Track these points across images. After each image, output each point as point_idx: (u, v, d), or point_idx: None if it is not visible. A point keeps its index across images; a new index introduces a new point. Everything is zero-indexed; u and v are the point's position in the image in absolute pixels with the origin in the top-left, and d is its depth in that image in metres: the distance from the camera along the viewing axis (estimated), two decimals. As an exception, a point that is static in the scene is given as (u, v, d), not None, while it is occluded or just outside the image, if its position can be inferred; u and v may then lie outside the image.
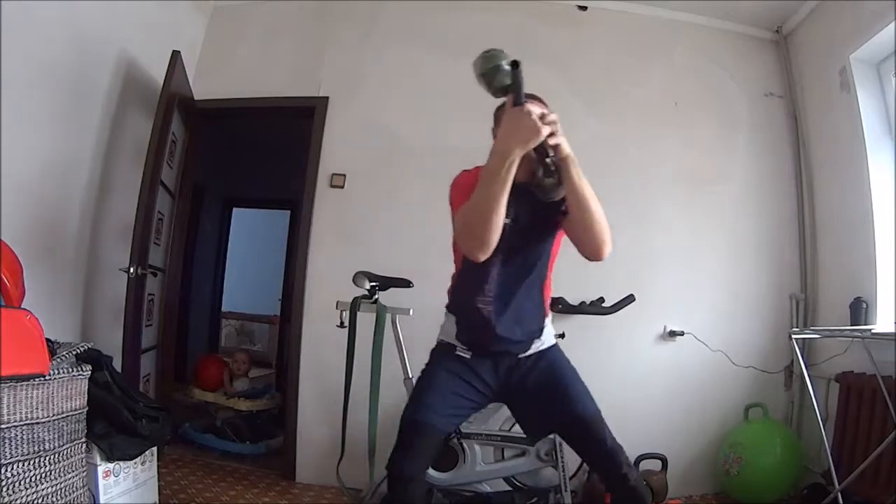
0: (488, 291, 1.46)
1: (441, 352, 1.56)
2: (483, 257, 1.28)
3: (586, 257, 1.40)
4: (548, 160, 1.31)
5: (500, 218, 1.25)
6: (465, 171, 1.48)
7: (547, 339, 1.55)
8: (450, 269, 2.90)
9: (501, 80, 1.25)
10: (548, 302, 1.58)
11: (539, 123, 1.21)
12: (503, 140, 1.23)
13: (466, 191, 1.34)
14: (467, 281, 1.50)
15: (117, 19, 2.46)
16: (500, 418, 2.24)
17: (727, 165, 2.92)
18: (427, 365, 1.58)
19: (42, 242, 2.12)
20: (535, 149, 1.26)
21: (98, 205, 2.45)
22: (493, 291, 1.46)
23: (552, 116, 1.25)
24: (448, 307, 1.59)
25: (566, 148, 1.28)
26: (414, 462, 1.38)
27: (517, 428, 2.45)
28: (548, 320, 1.58)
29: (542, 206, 1.36)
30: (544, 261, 1.51)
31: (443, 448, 1.47)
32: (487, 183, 1.23)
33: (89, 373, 1.72)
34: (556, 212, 1.41)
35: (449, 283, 1.62)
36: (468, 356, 1.50)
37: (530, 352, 1.51)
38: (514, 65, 1.24)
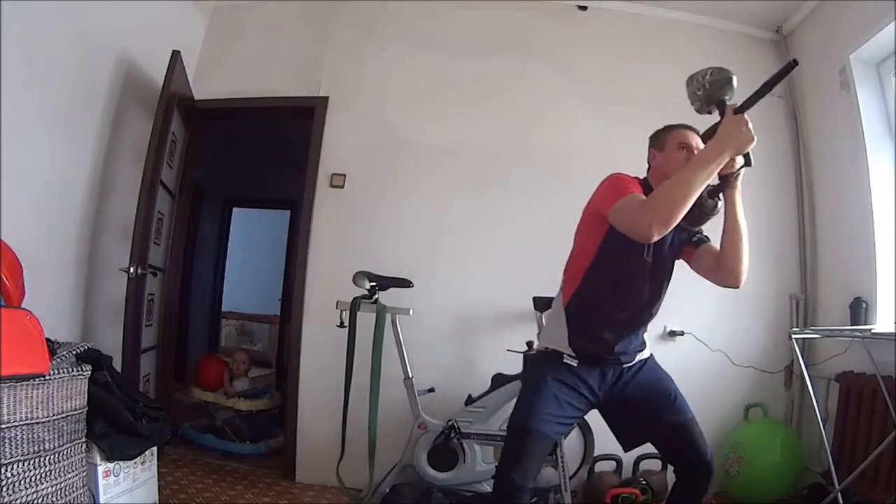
0: (626, 303, 1.49)
1: (547, 360, 1.55)
2: (656, 237, 1.26)
3: (724, 285, 1.47)
4: (734, 173, 1.39)
5: (687, 206, 1.26)
6: (617, 173, 1.48)
7: (648, 349, 1.61)
8: (448, 267, 2.91)
9: (724, 93, 1.34)
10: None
11: (753, 133, 1.26)
12: (718, 142, 1.28)
13: (628, 185, 1.38)
14: (607, 290, 1.50)
15: (117, 19, 2.46)
16: (499, 418, 2.24)
17: (727, 165, 2.92)
18: (532, 372, 1.61)
19: (42, 242, 2.12)
20: None
21: (98, 205, 2.45)
22: (632, 308, 1.50)
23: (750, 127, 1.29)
24: (567, 310, 1.54)
25: (741, 177, 1.38)
26: (524, 471, 1.39)
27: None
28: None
29: (677, 238, 1.43)
30: (672, 269, 1.57)
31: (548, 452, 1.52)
32: (693, 171, 1.26)
33: (89, 373, 1.72)
34: (687, 243, 1.52)
35: (563, 282, 1.61)
36: (575, 364, 1.51)
37: (634, 362, 1.55)
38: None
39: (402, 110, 2.92)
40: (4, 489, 1.42)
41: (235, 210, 5.60)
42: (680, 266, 2.81)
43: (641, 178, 1.53)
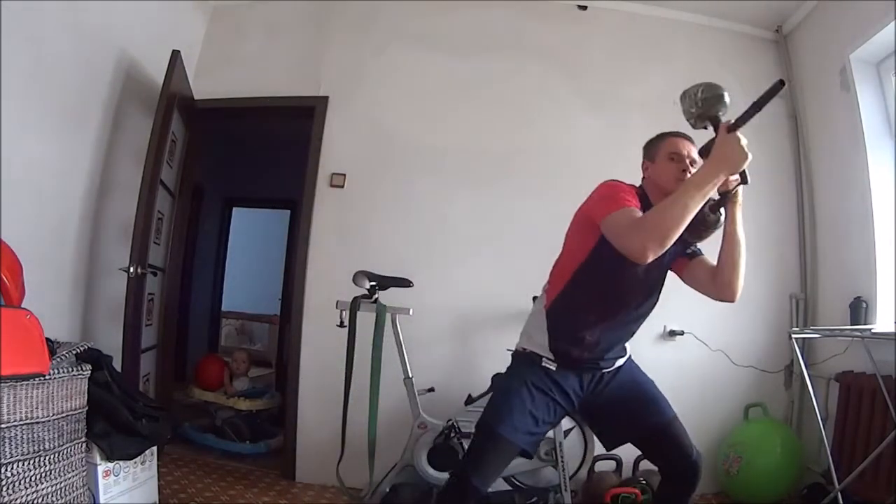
0: (614, 314, 1.48)
1: (525, 362, 1.52)
2: (651, 259, 1.25)
3: (719, 298, 1.46)
4: (717, 198, 1.39)
5: (682, 228, 1.26)
6: (612, 180, 1.47)
7: (627, 353, 1.60)
8: (448, 267, 2.92)
9: (717, 110, 1.33)
10: None
11: (747, 152, 1.25)
12: (713, 162, 1.27)
13: (622, 195, 1.36)
14: (590, 292, 1.47)
15: (117, 19, 2.45)
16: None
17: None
18: (508, 374, 1.56)
19: (42, 242, 2.12)
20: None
21: (98, 205, 2.45)
22: (620, 317, 1.49)
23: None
24: (550, 313, 1.51)
25: (740, 193, 1.37)
26: (484, 476, 1.39)
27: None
28: None
29: (671, 250, 1.36)
30: (663, 280, 1.56)
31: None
32: (688, 193, 1.25)
33: (89, 372, 1.72)
34: (681, 254, 1.50)
35: (546, 283, 1.59)
36: (553, 367, 1.48)
37: (613, 367, 1.54)
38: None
39: (402, 110, 2.92)
40: (4, 489, 1.42)
41: (235, 210, 5.59)
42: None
43: (637, 185, 1.52)
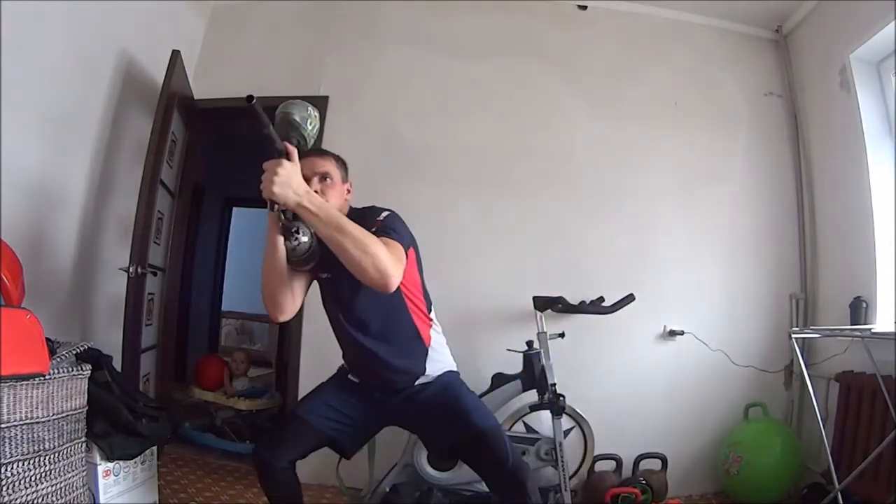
0: (352, 341, 1.56)
1: (340, 372, 1.72)
2: (282, 319, 1.47)
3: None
4: (282, 222, 1.35)
5: (268, 278, 1.40)
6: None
7: (433, 372, 1.60)
8: (448, 267, 2.91)
9: (287, 133, 1.30)
10: (426, 334, 1.61)
11: (268, 186, 1.22)
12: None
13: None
14: (337, 331, 1.63)
15: (117, 19, 2.46)
16: (500, 418, 2.24)
17: (727, 165, 2.92)
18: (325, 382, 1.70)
19: (42, 242, 2.12)
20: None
21: (98, 204, 2.45)
22: (358, 341, 1.55)
23: (267, 172, 1.23)
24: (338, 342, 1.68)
25: (281, 198, 1.22)
26: (273, 449, 1.50)
27: (518, 426, 2.46)
28: (436, 351, 1.62)
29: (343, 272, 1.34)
30: (394, 299, 1.51)
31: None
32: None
33: (89, 372, 1.73)
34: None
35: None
36: (357, 381, 1.64)
37: (416, 384, 1.59)
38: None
39: (402, 111, 2.92)
40: (4, 489, 1.42)
41: (235, 209, 5.59)
42: (685, 266, 2.82)
43: None
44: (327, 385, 1.67)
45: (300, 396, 2.71)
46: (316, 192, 1.37)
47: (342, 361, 1.71)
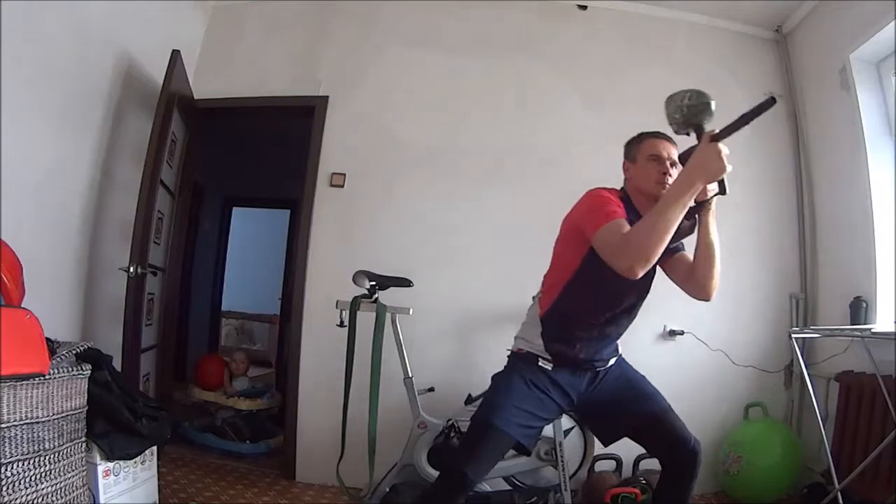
0: (605, 315, 1.51)
1: (522, 361, 1.57)
2: (641, 274, 1.29)
3: (695, 297, 1.51)
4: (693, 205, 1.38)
5: (666, 242, 1.29)
6: (597, 188, 1.50)
7: (619, 350, 1.64)
8: (448, 267, 2.92)
9: (702, 118, 1.33)
10: None
11: (727, 162, 1.27)
12: (690, 171, 1.29)
13: (608, 205, 1.39)
14: (582, 296, 1.51)
15: (117, 19, 2.45)
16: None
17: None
18: (505, 372, 1.60)
19: (42, 242, 2.11)
20: None
21: (98, 204, 2.45)
22: (610, 317, 1.52)
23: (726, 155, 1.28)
24: (545, 320, 1.56)
25: (715, 199, 1.38)
26: (477, 467, 1.41)
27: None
28: None
29: None
30: (649, 286, 1.58)
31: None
32: (667, 206, 1.27)
33: (89, 372, 1.73)
34: (666, 252, 1.48)
35: (539, 292, 1.65)
36: (549, 367, 1.53)
37: (609, 365, 1.59)
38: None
39: (402, 110, 2.92)
40: (4, 488, 1.42)
41: (235, 209, 5.59)
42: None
43: (619, 188, 1.55)
44: (514, 384, 1.52)
45: (300, 396, 2.75)
46: (666, 175, 1.48)
47: (535, 341, 1.56)
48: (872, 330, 2.24)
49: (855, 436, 2.26)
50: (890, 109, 2.47)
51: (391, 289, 2.30)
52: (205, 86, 3.01)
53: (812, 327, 2.69)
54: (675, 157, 1.48)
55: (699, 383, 2.72)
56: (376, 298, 2.25)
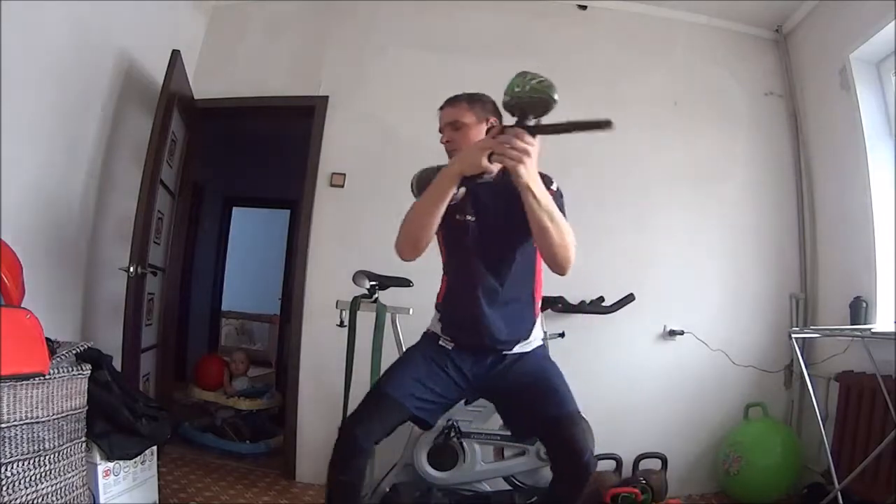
0: (471, 289, 1.49)
1: (425, 339, 1.62)
2: (411, 257, 1.39)
3: (553, 271, 1.42)
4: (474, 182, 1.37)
5: (429, 227, 1.34)
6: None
7: (534, 340, 1.58)
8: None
9: (535, 110, 1.32)
10: (538, 303, 1.60)
11: (485, 162, 1.27)
12: (455, 158, 1.34)
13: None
14: (451, 278, 1.58)
15: (117, 19, 2.45)
16: (499, 418, 2.24)
17: (727, 165, 2.91)
18: (409, 349, 1.64)
19: (42, 242, 2.12)
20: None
21: (98, 204, 2.45)
22: (478, 289, 1.49)
23: (521, 145, 1.25)
24: (438, 308, 1.64)
25: (524, 177, 1.26)
26: (367, 429, 1.40)
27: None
28: (537, 325, 1.60)
29: (516, 204, 1.34)
30: (526, 259, 1.51)
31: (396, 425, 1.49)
32: (429, 193, 1.33)
33: (89, 372, 1.73)
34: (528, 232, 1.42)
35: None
36: (450, 347, 1.54)
37: (514, 351, 1.53)
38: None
39: (402, 110, 2.92)
40: (4, 488, 1.42)
41: (235, 209, 5.59)
42: (685, 265, 2.82)
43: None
44: (414, 357, 1.55)
45: (300, 396, 2.75)
46: (449, 142, 1.54)
47: (437, 325, 1.59)
48: (872, 330, 2.24)
49: (855, 436, 2.26)
50: (890, 109, 2.47)
51: (391, 289, 2.30)
52: (205, 86, 3.01)
53: (812, 327, 2.69)
54: (464, 120, 1.53)
55: (699, 383, 2.72)
56: (376, 298, 2.25)
